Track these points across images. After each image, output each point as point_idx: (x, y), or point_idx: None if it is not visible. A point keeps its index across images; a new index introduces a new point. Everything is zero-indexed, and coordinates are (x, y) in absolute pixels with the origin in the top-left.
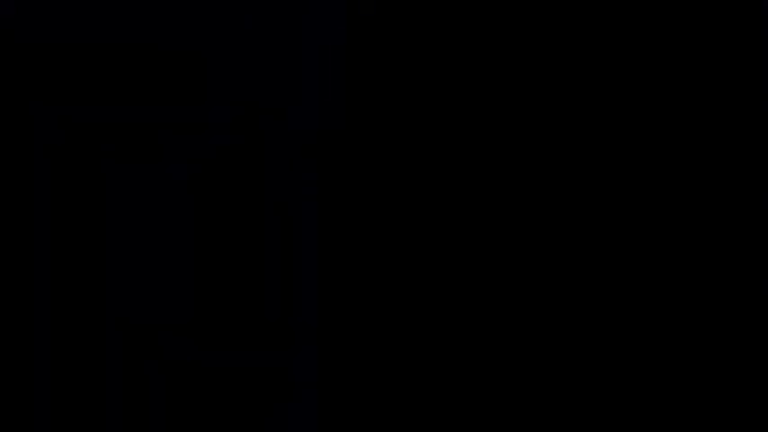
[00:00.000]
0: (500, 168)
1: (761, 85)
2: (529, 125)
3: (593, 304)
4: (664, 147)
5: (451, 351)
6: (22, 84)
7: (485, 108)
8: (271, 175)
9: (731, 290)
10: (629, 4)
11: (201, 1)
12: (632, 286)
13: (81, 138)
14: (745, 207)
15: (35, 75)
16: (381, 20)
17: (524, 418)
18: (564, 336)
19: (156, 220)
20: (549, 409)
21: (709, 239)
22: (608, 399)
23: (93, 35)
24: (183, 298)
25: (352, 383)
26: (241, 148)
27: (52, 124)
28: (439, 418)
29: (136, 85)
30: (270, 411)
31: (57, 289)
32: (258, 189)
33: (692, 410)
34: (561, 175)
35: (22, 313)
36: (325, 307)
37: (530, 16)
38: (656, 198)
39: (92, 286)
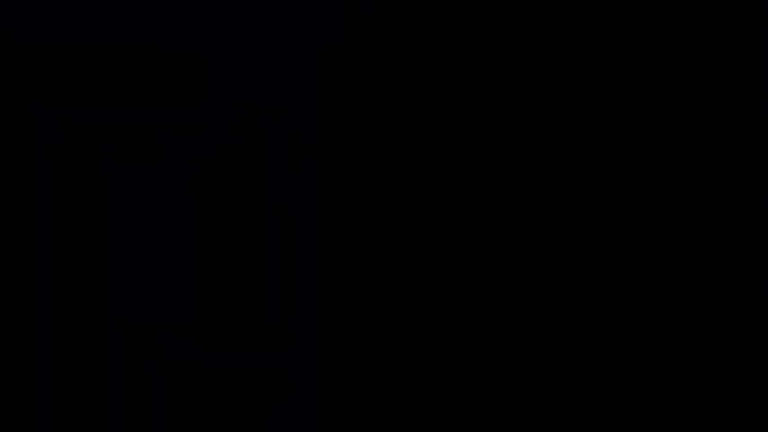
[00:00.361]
0: (502, 170)
1: (761, 85)
2: (531, 126)
3: (594, 304)
4: (664, 147)
5: (451, 351)
6: (22, 84)
7: (487, 108)
8: (271, 175)
9: (731, 290)
10: (630, 4)
11: (201, 1)
12: (632, 286)
13: (81, 138)
14: (746, 207)
15: (35, 75)
16: (381, 20)
17: (524, 418)
18: (564, 336)
19: (156, 221)
20: (549, 409)
21: (710, 240)
22: (608, 399)
23: (93, 35)
24: (183, 298)
25: (352, 383)
26: (241, 148)
27: (52, 124)
28: (438, 417)
29: (136, 85)
30: (270, 411)
31: (57, 289)
32: (258, 189)
33: (693, 410)
34: (561, 175)
35: (22, 313)
36: (325, 307)
37: (530, 16)
38: (656, 198)
39: (92, 286)
